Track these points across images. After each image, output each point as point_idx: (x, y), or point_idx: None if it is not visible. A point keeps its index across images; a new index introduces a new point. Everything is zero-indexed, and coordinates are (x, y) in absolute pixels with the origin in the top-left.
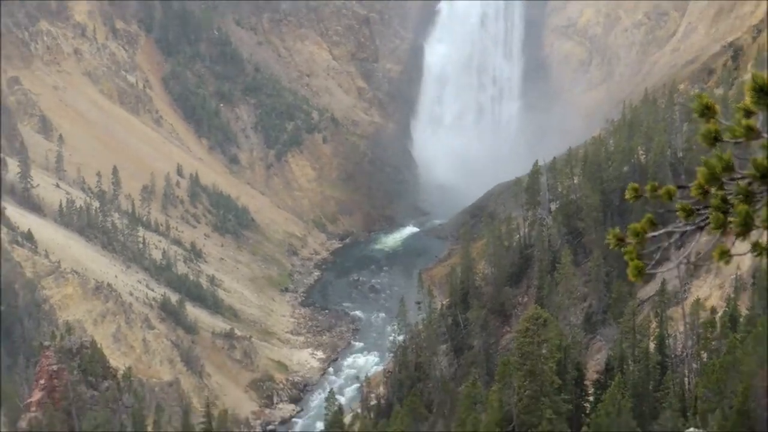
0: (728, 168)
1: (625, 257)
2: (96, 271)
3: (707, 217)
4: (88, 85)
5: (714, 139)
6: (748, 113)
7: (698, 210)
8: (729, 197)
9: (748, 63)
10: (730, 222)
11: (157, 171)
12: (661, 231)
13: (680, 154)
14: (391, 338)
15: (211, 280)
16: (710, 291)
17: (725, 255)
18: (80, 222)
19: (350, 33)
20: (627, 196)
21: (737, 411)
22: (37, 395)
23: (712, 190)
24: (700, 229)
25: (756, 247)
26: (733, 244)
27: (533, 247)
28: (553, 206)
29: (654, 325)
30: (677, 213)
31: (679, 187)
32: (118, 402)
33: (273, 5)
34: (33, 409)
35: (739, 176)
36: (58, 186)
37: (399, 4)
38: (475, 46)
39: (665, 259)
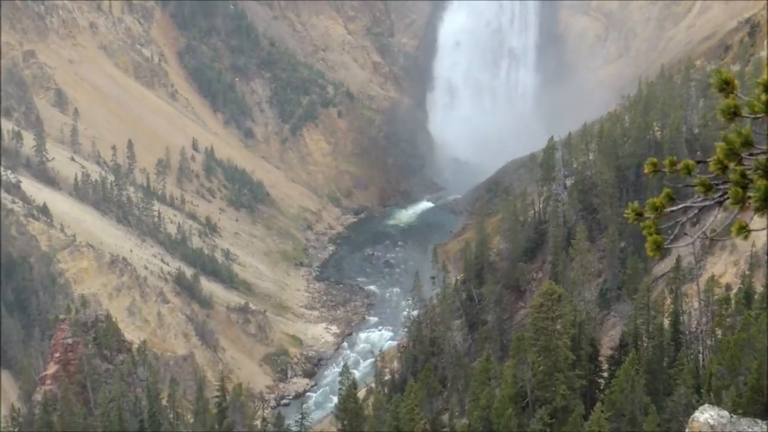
0: (747, 143)
1: (644, 232)
2: (111, 244)
3: (726, 192)
4: (103, 58)
5: (733, 114)
6: (767, 88)
7: (717, 185)
8: (748, 172)
9: (765, 39)
10: (749, 197)
11: (172, 145)
12: (680, 206)
13: (696, 131)
14: (405, 313)
15: (226, 254)
16: (725, 268)
17: (743, 230)
18: (95, 196)
19: (366, 7)
20: (646, 171)
21: (751, 388)
22: (52, 368)
23: (731, 165)
24: (719, 204)
25: None
26: (752, 219)
27: (548, 223)
28: (568, 182)
29: (668, 301)
30: (696, 188)
31: (698, 162)
32: (133, 375)
33: None
34: (48, 382)
35: (759, 151)
36: (73, 159)
37: None
38: (490, 23)
39: (682, 236)
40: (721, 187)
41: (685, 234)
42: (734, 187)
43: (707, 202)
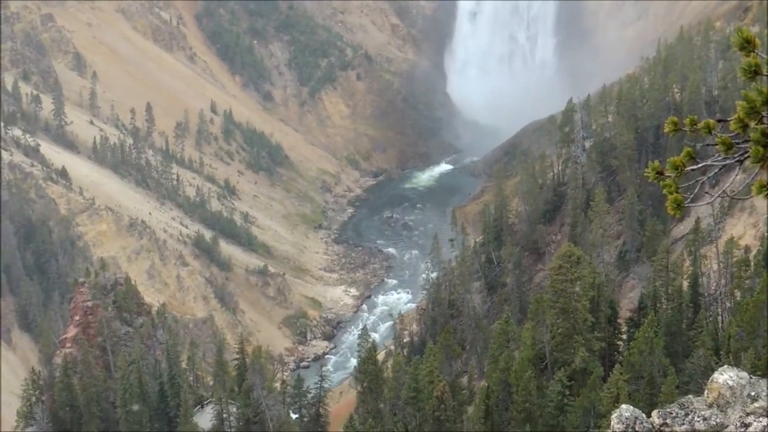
0: None
1: (664, 190)
2: (130, 207)
3: (746, 151)
4: (121, 22)
5: (754, 72)
6: None
7: (738, 144)
8: None
9: None
10: None
11: (191, 108)
12: (700, 165)
13: (715, 93)
14: (424, 275)
15: (245, 217)
16: (744, 229)
17: (764, 189)
18: (114, 159)
19: None
20: (666, 129)
21: None
22: (72, 331)
23: (752, 124)
24: (740, 162)
25: None
26: None
27: (567, 185)
28: (587, 144)
29: (687, 263)
30: (717, 147)
31: (719, 121)
32: (153, 338)
33: None
34: (68, 345)
35: None
36: (92, 123)
37: None
38: None
39: (702, 195)
40: (742, 146)
41: (706, 193)
42: (755, 146)
43: (728, 161)
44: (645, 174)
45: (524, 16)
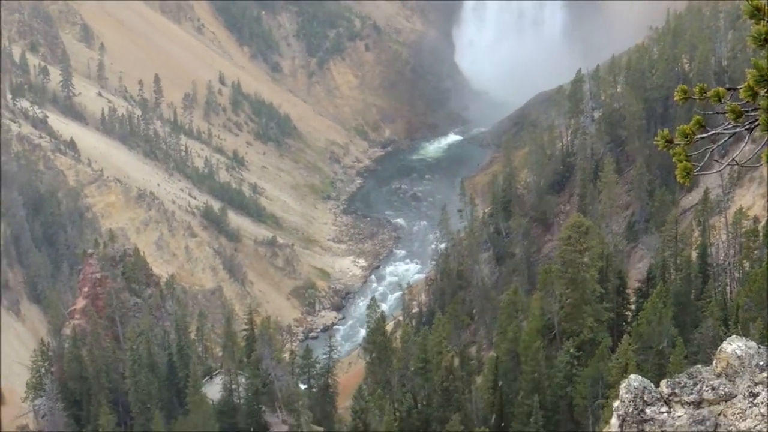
0: None
1: (674, 159)
2: (138, 179)
3: (756, 120)
4: None
5: (764, 40)
6: None
7: (747, 112)
8: None
9: None
10: None
11: (199, 79)
12: (710, 133)
13: (725, 63)
14: (432, 246)
15: (254, 188)
16: (753, 200)
17: None
18: (122, 130)
19: None
20: (676, 98)
21: None
22: (80, 303)
23: (762, 92)
24: (749, 131)
25: None
26: None
27: (575, 156)
28: (596, 114)
29: (696, 233)
30: (726, 115)
31: (728, 89)
32: (161, 309)
33: None
34: (77, 316)
35: None
36: (100, 94)
37: None
38: None
39: (711, 164)
40: (752, 114)
41: (715, 161)
42: (764, 114)
43: (737, 129)
44: (654, 142)
45: None
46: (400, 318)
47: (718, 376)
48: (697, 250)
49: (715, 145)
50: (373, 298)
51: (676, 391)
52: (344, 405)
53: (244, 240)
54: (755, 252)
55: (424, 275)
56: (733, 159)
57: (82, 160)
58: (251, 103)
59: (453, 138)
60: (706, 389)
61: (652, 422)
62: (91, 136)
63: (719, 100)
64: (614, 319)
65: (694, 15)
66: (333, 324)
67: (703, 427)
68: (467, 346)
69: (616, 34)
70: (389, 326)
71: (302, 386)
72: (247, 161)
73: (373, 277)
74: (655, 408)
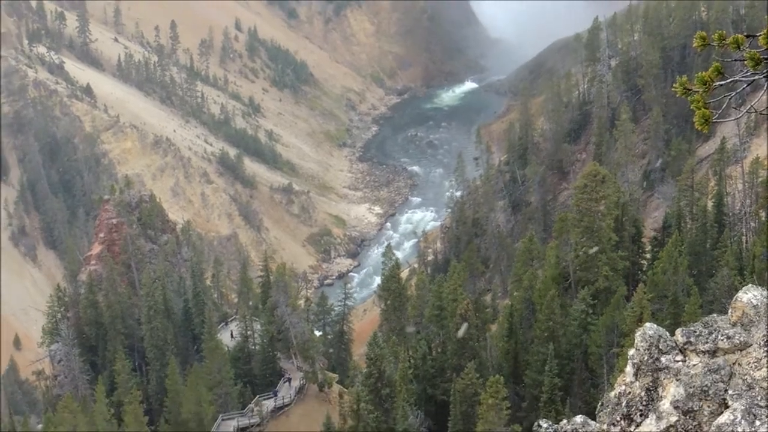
0: None
1: (692, 106)
2: (155, 125)
3: None
4: None
5: None
6: None
7: (766, 59)
8: None
9: None
10: None
11: (215, 25)
12: (729, 80)
13: (743, 11)
14: (448, 194)
15: (270, 134)
16: None
17: None
18: (139, 76)
19: None
20: (695, 45)
21: None
22: (96, 248)
23: None
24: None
25: None
26: None
27: (592, 104)
28: (613, 63)
29: (712, 183)
30: (745, 62)
31: (747, 36)
32: (177, 255)
33: None
34: (93, 262)
35: None
36: (116, 40)
37: None
38: None
39: (729, 111)
40: None
41: (734, 108)
42: None
43: (756, 77)
44: (673, 89)
45: None
46: (415, 265)
47: (734, 325)
48: (713, 200)
49: (733, 93)
50: (388, 246)
51: (691, 339)
52: (359, 352)
53: (260, 187)
54: None
55: (440, 223)
56: (752, 107)
57: (99, 106)
58: (267, 49)
59: (469, 86)
60: (721, 338)
61: (666, 371)
62: (108, 82)
63: (738, 48)
64: (630, 268)
65: None
66: (348, 271)
67: (717, 376)
68: (482, 294)
69: None
70: (404, 274)
71: (317, 333)
72: (263, 108)
73: (388, 224)
74: (670, 356)
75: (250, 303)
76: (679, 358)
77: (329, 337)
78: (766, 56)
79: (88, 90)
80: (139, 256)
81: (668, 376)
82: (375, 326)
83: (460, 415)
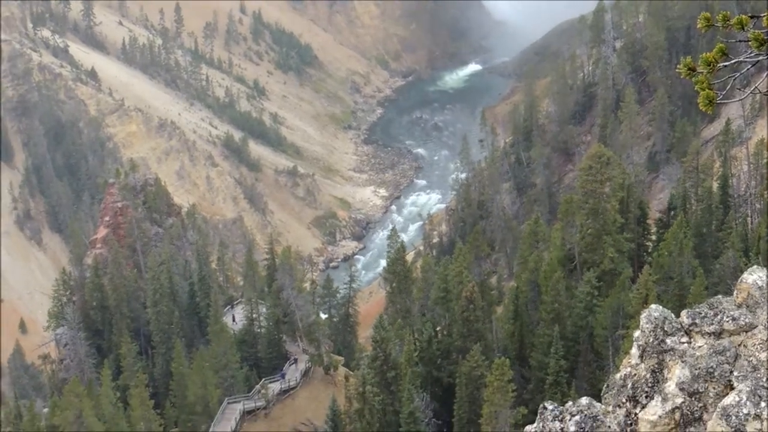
0: None
1: (696, 87)
2: (159, 108)
3: None
4: None
5: None
6: None
7: None
8: None
9: None
10: None
11: (220, 8)
12: (733, 61)
13: None
14: (453, 176)
15: (274, 117)
16: None
17: None
18: (143, 59)
19: None
20: (699, 26)
21: None
22: (102, 232)
23: None
24: None
25: None
26: None
27: (597, 86)
28: (618, 44)
29: (717, 164)
30: (749, 43)
31: (752, 17)
32: (182, 239)
33: None
34: (98, 245)
35: None
36: (120, 23)
37: None
38: None
39: (734, 92)
40: None
41: (738, 89)
42: None
43: (760, 57)
44: (677, 70)
45: None
46: (421, 248)
47: (739, 306)
48: (718, 181)
49: (738, 74)
50: (393, 228)
51: (697, 321)
52: (364, 335)
53: (265, 170)
54: None
55: (445, 205)
56: (756, 87)
57: (103, 89)
58: (272, 32)
59: (474, 68)
60: (727, 320)
61: (672, 352)
62: (112, 66)
63: (742, 28)
64: (635, 250)
65: None
66: (353, 254)
67: (723, 357)
68: (488, 276)
69: None
70: (410, 256)
71: (323, 316)
72: (268, 91)
73: (393, 207)
74: (675, 338)
75: (256, 286)
76: (685, 339)
77: (335, 320)
78: None
79: (92, 73)
80: (145, 239)
81: (674, 358)
82: (380, 309)
83: (466, 397)
